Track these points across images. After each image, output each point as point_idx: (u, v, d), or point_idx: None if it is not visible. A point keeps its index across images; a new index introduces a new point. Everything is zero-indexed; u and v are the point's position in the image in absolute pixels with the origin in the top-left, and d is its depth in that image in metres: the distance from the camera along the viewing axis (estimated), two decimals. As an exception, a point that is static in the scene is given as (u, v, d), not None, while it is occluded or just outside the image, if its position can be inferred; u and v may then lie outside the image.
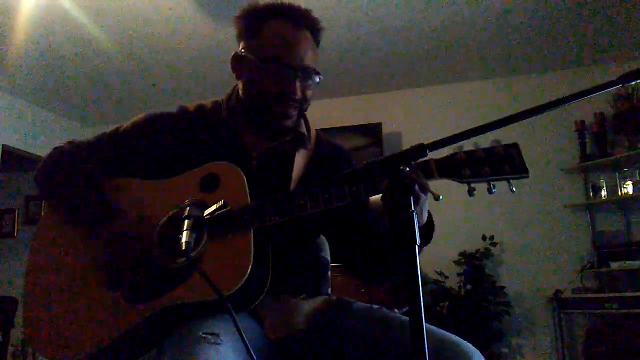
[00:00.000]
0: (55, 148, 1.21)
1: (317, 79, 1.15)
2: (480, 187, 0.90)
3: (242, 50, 1.16)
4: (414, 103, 4.56)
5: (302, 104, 1.15)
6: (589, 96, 0.81)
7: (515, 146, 0.89)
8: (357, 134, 4.39)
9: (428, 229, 1.05)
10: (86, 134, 1.25)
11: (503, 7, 3.30)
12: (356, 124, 4.43)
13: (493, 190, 0.89)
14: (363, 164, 0.92)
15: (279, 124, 1.14)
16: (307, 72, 1.12)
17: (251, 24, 1.15)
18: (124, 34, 3.55)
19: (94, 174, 1.14)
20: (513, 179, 0.89)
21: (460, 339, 1.02)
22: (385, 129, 4.40)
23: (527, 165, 0.88)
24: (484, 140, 0.88)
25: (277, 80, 1.10)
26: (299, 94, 1.12)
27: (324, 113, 4.40)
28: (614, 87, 0.80)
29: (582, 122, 3.95)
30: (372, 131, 4.39)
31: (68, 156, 1.17)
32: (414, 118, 4.51)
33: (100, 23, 3.39)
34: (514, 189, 0.88)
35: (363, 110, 4.60)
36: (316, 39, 1.17)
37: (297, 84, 1.11)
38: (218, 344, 0.87)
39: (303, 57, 1.11)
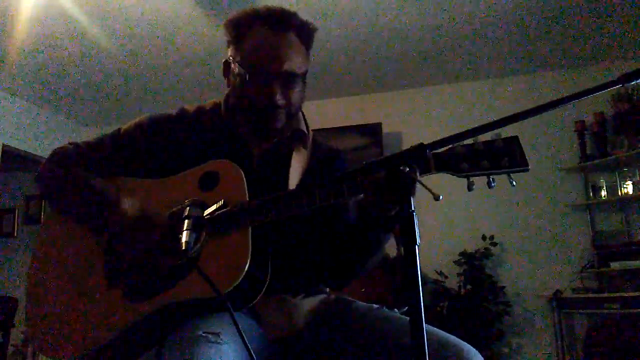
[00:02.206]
0: (57, 149, 1.21)
1: (301, 83, 1.15)
2: (480, 182, 0.88)
3: (230, 57, 1.17)
4: (414, 103, 4.56)
5: (289, 107, 1.15)
6: (589, 96, 0.81)
7: (515, 139, 0.88)
8: (357, 134, 4.39)
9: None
10: (86, 134, 1.25)
11: (503, 7, 3.30)
12: (356, 124, 4.44)
13: (492, 184, 0.87)
14: (363, 164, 0.92)
15: (267, 127, 1.15)
16: (288, 78, 1.12)
17: (237, 31, 1.16)
18: (124, 34, 3.55)
19: (94, 174, 1.15)
20: (513, 172, 0.87)
21: (460, 340, 1.02)
22: (385, 129, 4.40)
23: (527, 159, 0.86)
24: (484, 139, 0.88)
25: (258, 88, 1.11)
26: (280, 100, 1.11)
27: (324, 113, 4.41)
28: (614, 87, 0.80)
29: (582, 122, 3.95)
30: (372, 131, 4.39)
31: (69, 157, 1.18)
32: (414, 118, 4.51)
33: (100, 23, 3.39)
34: (514, 182, 0.87)
35: (363, 110, 4.60)
36: (303, 40, 1.16)
37: (278, 90, 1.11)
38: (219, 343, 0.87)
39: (283, 62, 1.10)
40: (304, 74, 1.16)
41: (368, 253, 1.13)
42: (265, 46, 1.12)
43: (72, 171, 1.15)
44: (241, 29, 1.15)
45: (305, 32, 1.16)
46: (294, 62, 1.12)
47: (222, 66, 1.20)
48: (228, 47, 1.19)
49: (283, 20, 1.13)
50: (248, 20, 1.14)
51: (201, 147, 1.17)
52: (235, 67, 1.14)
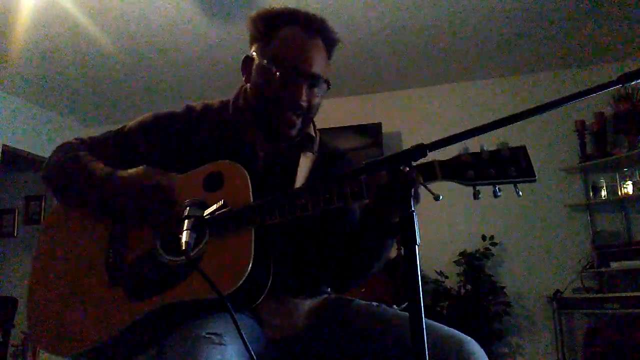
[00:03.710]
0: (62, 143, 1.21)
1: (325, 88, 1.15)
2: (485, 190, 0.88)
3: (254, 53, 1.17)
4: (414, 103, 4.56)
5: (308, 112, 1.15)
6: (589, 96, 0.81)
7: (522, 149, 0.87)
8: (357, 134, 4.39)
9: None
10: (86, 133, 1.25)
11: (503, 7, 3.30)
12: (356, 124, 4.43)
13: (499, 194, 0.86)
14: (363, 164, 0.92)
15: (283, 132, 1.14)
16: (316, 80, 1.12)
17: (265, 28, 1.15)
18: (124, 34, 3.55)
19: (97, 171, 1.14)
20: (519, 182, 0.86)
21: (460, 332, 1.02)
22: (385, 129, 4.40)
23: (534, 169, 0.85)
24: (485, 140, 0.87)
25: (285, 85, 1.10)
26: (305, 101, 1.11)
27: (324, 113, 4.34)
28: (614, 87, 0.80)
29: (582, 122, 3.95)
30: (372, 131, 4.39)
31: (74, 150, 1.18)
32: (414, 118, 4.51)
33: (100, 23, 3.39)
34: (520, 192, 0.86)
35: (363, 110, 4.60)
36: (329, 49, 1.17)
37: (304, 90, 1.11)
38: (222, 344, 0.87)
39: (312, 65, 1.11)
40: (327, 83, 1.15)
41: (372, 257, 1.13)
42: (297, 45, 1.11)
43: (79, 159, 1.14)
44: (271, 25, 1.14)
45: (330, 41, 1.17)
46: (321, 67, 1.13)
47: (241, 62, 1.19)
48: (252, 43, 1.18)
49: (314, 24, 1.14)
50: (279, 18, 1.14)
51: (206, 146, 1.16)
52: (261, 61, 1.13)
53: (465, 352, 0.97)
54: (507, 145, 0.87)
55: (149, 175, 1.07)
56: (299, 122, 1.14)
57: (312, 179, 1.18)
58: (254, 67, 1.16)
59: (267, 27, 1.14)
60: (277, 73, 1.09)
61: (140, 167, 1.09)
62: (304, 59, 1.10)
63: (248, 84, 1.19)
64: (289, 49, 1.11)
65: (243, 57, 1.20)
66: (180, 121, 1.20)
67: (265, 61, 1.12)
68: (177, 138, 1.18)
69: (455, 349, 0.97)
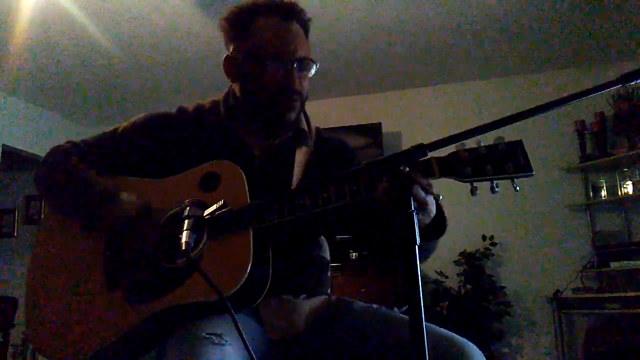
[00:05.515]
0: (54, 147, 1.20)
1: (314, 68, 1.16)
2: (483, 186, 0.88)
3: (234, 52, 1.16)
4: (414, 103, 4.56)
5: (302, 98, 1.16)
6: (588, 96, 0.81)
7: (519, 143, 0.86)
8: (357, 134, 4.39)
9: (439, 221, 1.01)
10: (86, 134, 1.25)
11: (503, 7, 3.30)
12: (356, 124, 4.43)
13: (496, 190, 0.86)
14: (363, 164, 0.92)
15: (283, 118, 1.14)
16: (304, 63, 1.13)
17: (239, 24, 1.15)
18: (124, 34, 3.55)
19: (92, 173, 1.14)
20: (517, 177, 0.86)
21: (462, 337, 1.02)
22: (385, 129, 4.40)
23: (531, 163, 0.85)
24: (486, 140, 0.87)
25: (276, 76, 1.10)
26: (298, 86, 1.12)
27: (324, 113, 4.40)
28: (614, 87, 0.80)
29: (582, 122, 3.95)
30: (372, 131, 4.39)
31: (67, 156, 1.17)
32: (414, 118, 4.51)
33: (100, 23, 3.39)
34: (517, 187, 0.86)
35: (363, 110, 4.60)
36: (305, 29, 1.17)
37: (295, 75, 1.11)
38: (222, 344, 0.87)
39: (296, 49, 1.12)
40: (314, 62, 1.16)
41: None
42: (277, 33, 1.11)
43: (69, 167, 1.14)
44: (244, 22, 1.14)
45: (305, 21, 1.17)
46: (305, 49, 1.14)
47: (222, 63, 1.18)
48: (228, 43, 1.18)
49: (287, 10, 1.14)
50: (250, 13, 1.14)
51: (201, 147, 1.16)
52: (245, 59, 1.13)
53: (465, 357, 0.96)
54: (504, 140, 0.86)
55: (93, 183, 1.10)
56: (298, 105, 1.15)
57: (309, 173, 1.17)
58: (238, 65, 1.15)
59: (241, 22, 1.14)
60: (266, 66, 1.10)
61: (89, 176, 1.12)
62: (288, 46, 1.11)
63: (234, 84, 1.19)
64: (270, 39, 1.11)
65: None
66: (173, 122, 1.20)
67: (249, 57, 1.12)
68: (172, 138, 1.18)
69: (455, 352, 0.97)
